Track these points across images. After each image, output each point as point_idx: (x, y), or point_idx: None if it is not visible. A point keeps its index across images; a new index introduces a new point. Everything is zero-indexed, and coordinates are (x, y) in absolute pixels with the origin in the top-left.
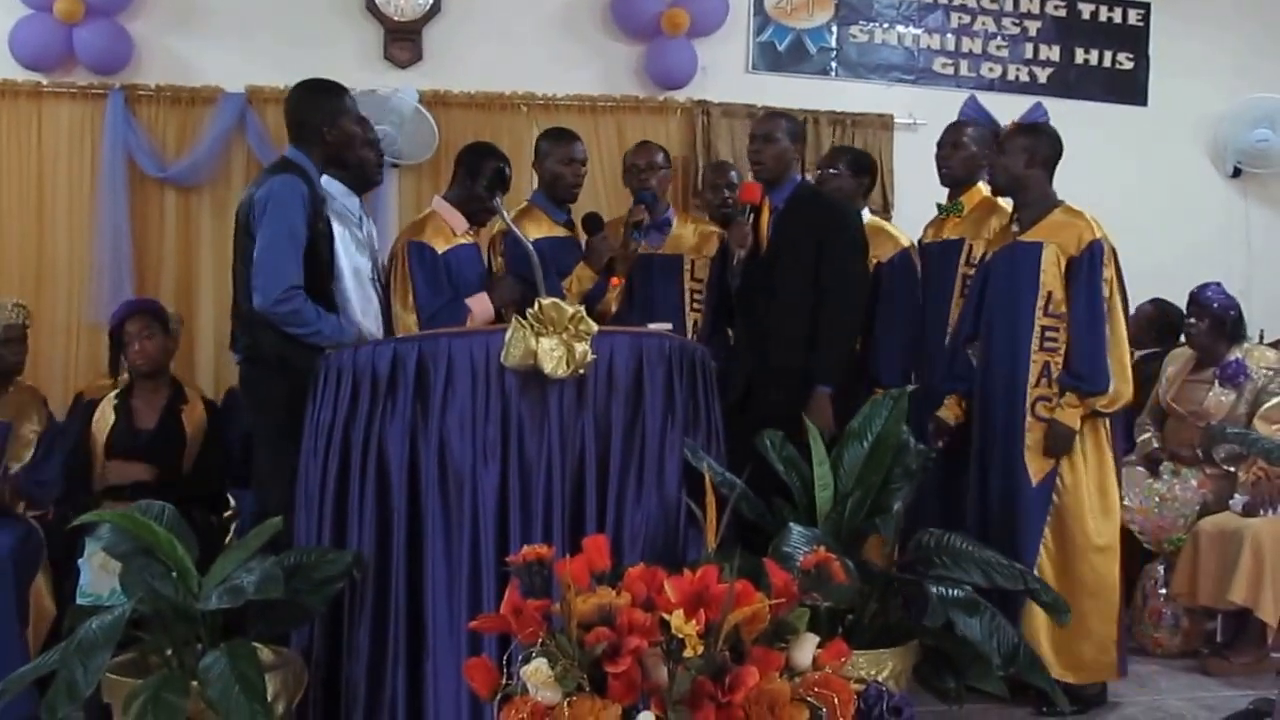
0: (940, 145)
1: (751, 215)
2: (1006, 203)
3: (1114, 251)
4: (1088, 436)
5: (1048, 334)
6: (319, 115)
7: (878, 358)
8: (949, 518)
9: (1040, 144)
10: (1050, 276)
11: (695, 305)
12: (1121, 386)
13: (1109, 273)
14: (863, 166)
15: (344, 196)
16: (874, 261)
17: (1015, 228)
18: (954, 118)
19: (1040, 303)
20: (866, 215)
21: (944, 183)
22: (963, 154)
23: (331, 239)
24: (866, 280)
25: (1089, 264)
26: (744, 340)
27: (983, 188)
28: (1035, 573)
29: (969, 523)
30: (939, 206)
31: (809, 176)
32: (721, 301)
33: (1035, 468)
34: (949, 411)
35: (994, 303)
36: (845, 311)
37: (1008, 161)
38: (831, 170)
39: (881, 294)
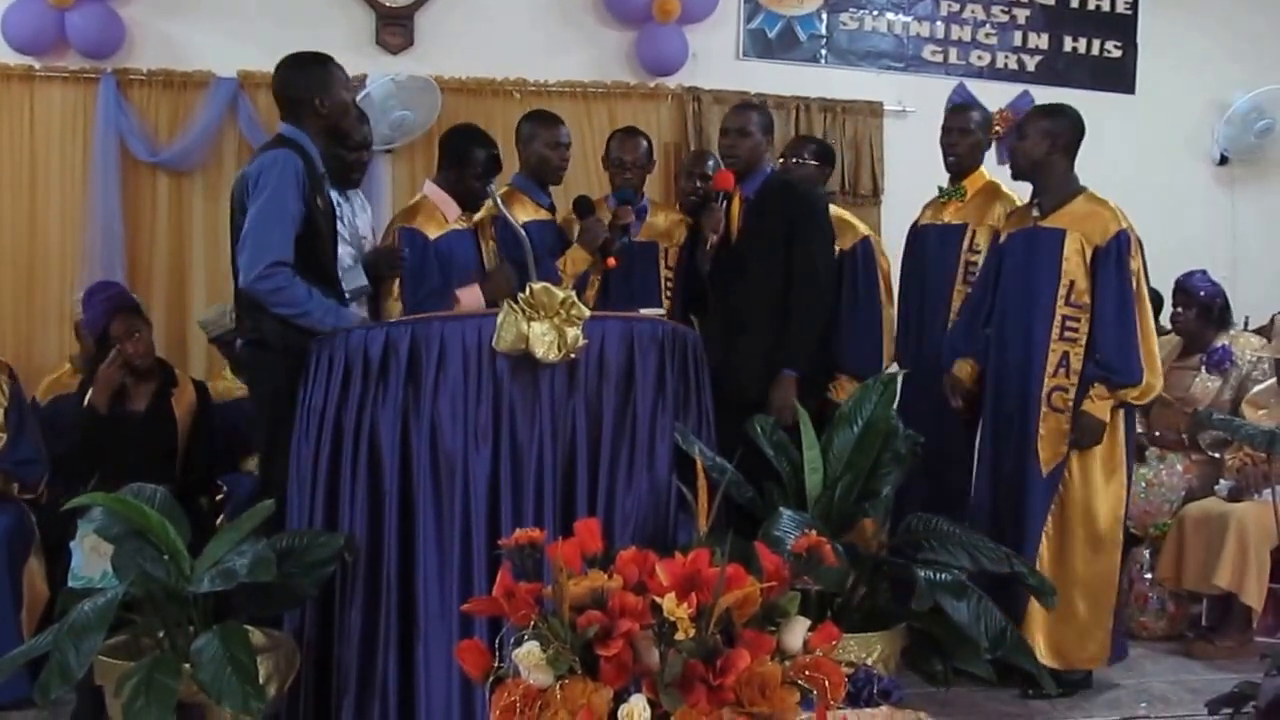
0: (947, 131)
1: (724, 202)
2: (1011, 188)
3: (1140, 242)
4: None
5: (1068, 323)
6: (310, 87)
7: (843, 345)
8: (934, 502)
9: (1062, 127)
10: (1073, 265)
11: (669, 292)
12: (1152, 378)
13: (1136, 264)
14: (826, 156)
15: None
16: (835, 250)
17: (1035, 212)
18: (943, 105)
19: (1062, 291)
20: None
21: (949, 169)
22: (970, 140)
23: (334, 216)
24: (834, 267)
25: (1117, 255)
26: (714, 325)
27: (985, 172)
28: (1036, 560)
29: (974, 508)
30: (940, 189)
31: (775, 164)
32: (688, 288)
33: (1046, 457)
34: (963, 371)
35: (1008, 287)
36: (814, 297)
37: (1028, 146)
38: (795, 160)
39: (844, 283)
